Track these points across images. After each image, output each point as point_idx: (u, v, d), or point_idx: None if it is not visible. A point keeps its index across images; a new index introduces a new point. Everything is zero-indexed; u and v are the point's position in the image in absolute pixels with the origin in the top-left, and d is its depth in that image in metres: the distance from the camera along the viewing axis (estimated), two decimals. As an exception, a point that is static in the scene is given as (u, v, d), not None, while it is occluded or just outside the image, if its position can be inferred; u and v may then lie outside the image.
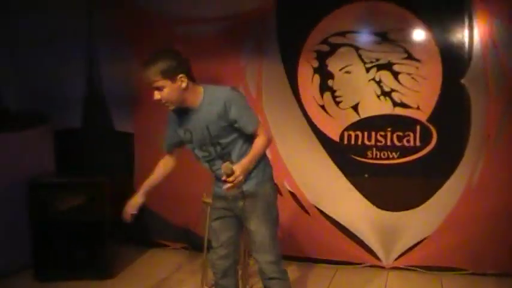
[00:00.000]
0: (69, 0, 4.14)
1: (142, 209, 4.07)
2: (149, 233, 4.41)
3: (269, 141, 2.54)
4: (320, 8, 3.82)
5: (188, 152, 2.60)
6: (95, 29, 4.24)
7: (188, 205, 4.14)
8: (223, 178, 2.28)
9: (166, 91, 2.29)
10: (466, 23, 3.63)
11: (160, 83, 2.26)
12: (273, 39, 3.95)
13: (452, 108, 3.69)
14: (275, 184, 2.69)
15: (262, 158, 2.54)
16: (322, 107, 3.87)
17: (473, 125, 3.66)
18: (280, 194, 3.90)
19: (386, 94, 3.74)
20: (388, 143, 3.77)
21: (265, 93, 4.02)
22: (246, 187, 2.44)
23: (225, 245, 2.59)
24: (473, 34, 3.61)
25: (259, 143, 2.47)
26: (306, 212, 3.98)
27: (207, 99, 2.38)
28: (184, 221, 4.33)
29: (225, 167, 2.27)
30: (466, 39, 3.62)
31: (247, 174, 2.43)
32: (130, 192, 3.73)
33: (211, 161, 2.49)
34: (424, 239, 3.77)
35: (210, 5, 4.03)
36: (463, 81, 3.66)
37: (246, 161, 2.39)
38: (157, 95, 2.31)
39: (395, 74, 3.71)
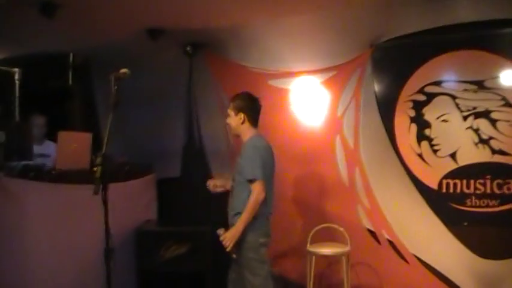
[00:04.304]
0: (172, 60, 5.68)
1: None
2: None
3: None
4: (415, 58, 5.01)
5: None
6: (195, 85, 5.77)
7: (285, 253, 5.47)
8: None
9: None
10: None
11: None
12: (370, 89, 5.24)
13: (553, 154, 4.71)
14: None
15: None
16: (420, 155, 5.03)
17: None
18: (379, 243, 5.16)
19: (485, 142, 4.80)
20: (488, 190, 4.79)
21: (362, 143, 5.30)
22: None
23: None
24: None
25: None
26: (405, 260, 5.09)
27: None
28: (281, 269, 5.65)
29: None
30: None
31: None
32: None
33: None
34: (526, 288, 4.73)
35: (307, 58, 5.42)
36: None
37: None
38: None
39: (493, 122, 4.77)
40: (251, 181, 3.92)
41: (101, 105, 6.40)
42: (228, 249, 3.91)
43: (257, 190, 3.90)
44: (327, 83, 5.45)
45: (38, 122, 5.48)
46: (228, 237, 3.90)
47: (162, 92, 5.90)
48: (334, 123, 5.43)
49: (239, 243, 3.95)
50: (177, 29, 5.22)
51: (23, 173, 4.22)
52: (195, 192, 5.68)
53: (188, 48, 5.64)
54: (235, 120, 4.10)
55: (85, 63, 6.35)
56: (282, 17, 4.85)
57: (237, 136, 4.19)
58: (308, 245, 4.87)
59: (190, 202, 5.73)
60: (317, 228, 4.97)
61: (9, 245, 4.03)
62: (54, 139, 4.91)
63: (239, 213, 3.95)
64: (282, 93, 5.63)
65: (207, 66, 5.79)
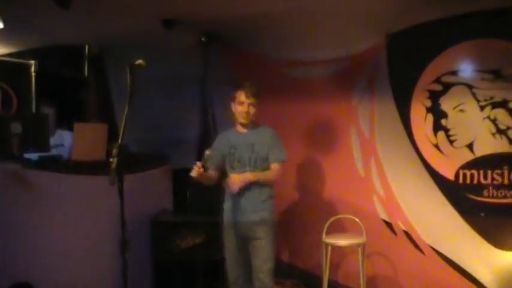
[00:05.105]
0: (186, 50, 5.68)
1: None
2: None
3: None
4: (431, 48, 4.97)
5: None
6: (210, 74, 5.80)
7: (300, 243, 5.49)
8: None
9: None
10: None
11: None
12: (385, 79, 5.22)
13: None
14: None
15: None
16: (436, 146, 5.00)
17: None
18: (395, 234, 5.15)
19: (502, 132, 4.75)
20: (506, 181, 4.74)
21: (378, 133, 5.30)
22: None
23: None
24: None
25: None
26: (421, 251, 5.09)
27: None
28: (295, 259, 5.67)
29: None
30: None
31: None
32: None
33: None
34: (544, 280, 4.71)
35: (322, 48, 5.42)
36: None
37: None
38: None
39: (511, 112, 4.72)
40: (279, 161, 4.21)
41: (117, 95, 6.43)
42: (236, 189, 4.10)
43: (281, 171, 4.21)
44: (343, 72, 5.45)
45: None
46: (242, 180, 4.10)
47: (178, 82, 5.95)
48: (350, 113, 5.43)
49: (265, 224, 4.18)
50: (192, 18, 5.21)
51: (40, 164, 4.25)
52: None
53: (203, 38, 5.63)
54: (258, 109, 4.28)
55: (100, 54, 6.38)
56: (296, 6, 4.79)
57: (249, 124, 4.29)
58: (324, 236, 4.88)
59: (205, 192, 5.72)
60: (332, 219, 4.98)
61: (26, 235, 4.07)
62: (70, 130, 4.93)
63: (270, 198, 4.22)
64: (297, 82, 5.62)
65: (222, 56, 5.83)
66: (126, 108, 3.10)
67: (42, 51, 5.99)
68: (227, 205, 4.30)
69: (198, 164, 3.87)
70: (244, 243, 4.21)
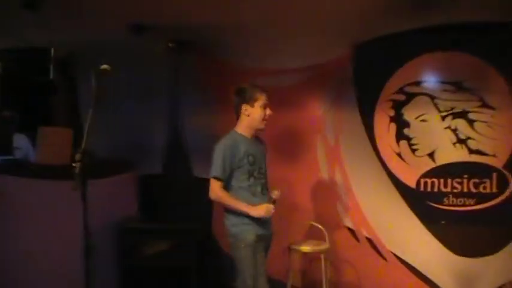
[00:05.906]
0: (156, 57, 5.68)
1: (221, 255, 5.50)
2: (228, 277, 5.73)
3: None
4: (396, 59, 5.08)
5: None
6: (179, 81, 5.80)
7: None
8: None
9: None
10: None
11: None
12: (351, 88, 5.32)
13: (529, 155, 4.80)
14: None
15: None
16: (399, 154, 5.10)
17: (551, 172, 4.81)
18: (357, 240, 5.22)
19: (462, 142, 4.89)
20: (465, 189, 4.88)
21: (342, 141, 5.39)
22: None
23: None
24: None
25: None
26: (383, 257, 5.19)
27: None
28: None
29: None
30: (542, 86, 4.75)
31: None
32: (210, 238, 5.15)
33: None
34: (502, 286, 4.81)
35: (290, 57, 5.48)
36: (540, 127, 4.79)
37: None
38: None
39: (471, 122, 4.86)
40: None
41: (85, 100, 6.35)
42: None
43: None
44: (309, 81, 5.52)
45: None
46: None
47: (147, 88, 5.91)
48: (316, 122, 5.50)
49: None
50: (163, 25, 5.19)
51: (3, 167, 4.18)
52: (177, 189, 5.70)
53: (171, 45, 5.59)
54: None
55: (69, 57, 6.29)
56: (265, 16, 4.81)
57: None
58: (287, 242, 4.87)
59: (172, 199, 5.73)
60: (305, 223, 5.14)
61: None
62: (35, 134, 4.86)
63: None
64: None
65: (192, 63, 5.80)
66: (90, 113, 3.06)
67: (5, 52, 5.89)
68: (249, 219, 3.81)
69: (272, 206, 3.73)
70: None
